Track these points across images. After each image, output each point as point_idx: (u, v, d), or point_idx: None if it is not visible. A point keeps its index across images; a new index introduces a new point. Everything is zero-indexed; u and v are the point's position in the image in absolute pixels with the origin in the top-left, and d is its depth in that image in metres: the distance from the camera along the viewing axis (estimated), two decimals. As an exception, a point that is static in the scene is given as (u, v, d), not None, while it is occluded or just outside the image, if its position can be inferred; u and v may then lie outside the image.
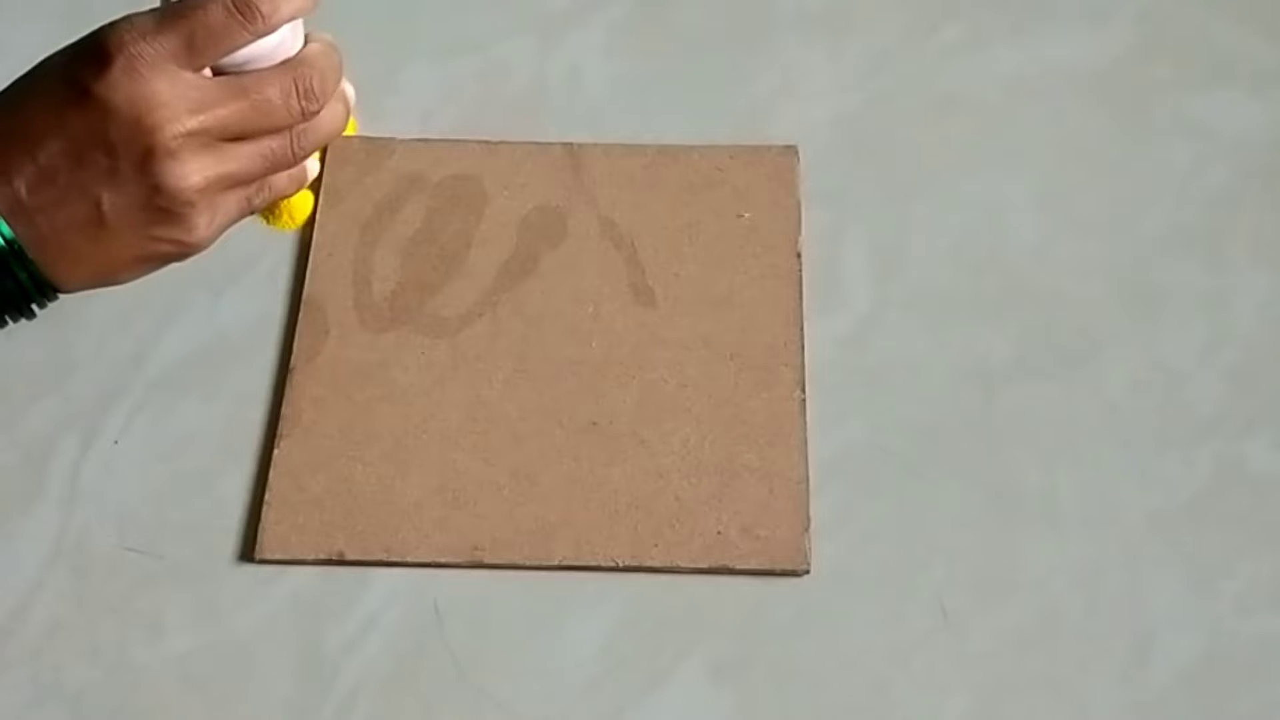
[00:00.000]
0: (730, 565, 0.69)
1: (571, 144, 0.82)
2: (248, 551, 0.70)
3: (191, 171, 0.62)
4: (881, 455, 0.73)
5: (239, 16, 0.63)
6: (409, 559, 0.70)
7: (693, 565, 0.69)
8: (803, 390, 0.74)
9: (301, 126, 0.66)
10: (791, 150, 0.81)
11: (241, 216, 0.67)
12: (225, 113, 0.63)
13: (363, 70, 0.86)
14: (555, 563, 0.70)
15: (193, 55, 0.62)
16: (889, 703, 0.66)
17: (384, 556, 0.70)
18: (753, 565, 0.69)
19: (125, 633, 0.68)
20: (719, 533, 0.70)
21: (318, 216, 0.79)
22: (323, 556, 0.70)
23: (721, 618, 0.69)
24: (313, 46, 0.67)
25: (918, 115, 0.84)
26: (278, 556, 0.70)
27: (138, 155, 0.61)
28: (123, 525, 0.71)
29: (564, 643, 0.68)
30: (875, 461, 0.72)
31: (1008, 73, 0.85)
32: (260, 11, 0.63)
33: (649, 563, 0.70)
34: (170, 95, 0.61)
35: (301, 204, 0.74)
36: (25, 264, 0.61)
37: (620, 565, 0.69)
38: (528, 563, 0.70)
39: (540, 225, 0.79)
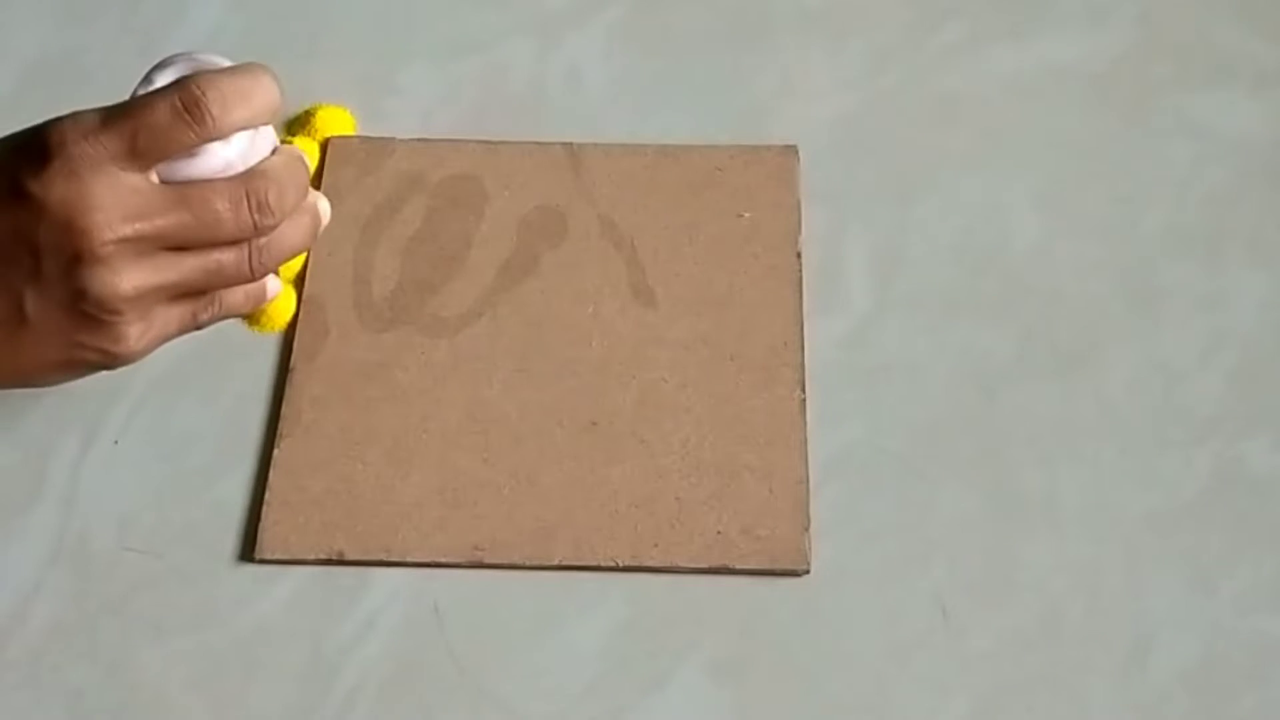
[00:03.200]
0: (730, 565, 0.69)
1: (571, 144, 0.82)
2: (248, 551, 0.70)
3: (122, 280, 0.59)
4: (881, 455, 0.73)
5: (186, 117, 0.59)
6: (409, 559, 0.70)
7: (693, 565, 0.69)
8: (803, 390, 0.74)
9: (260, 241, 0.62)
10: (791, 150, 0.81)
11: (184, 331, 0.64)
12: (165, 222, 0.59)
13: (363, 70, 0.86)
14: (555, 563, 0.69)
15: (136, 157, 0.59)
16: (889, 703, 0.66)
17: (384, 556, 0.70)
18: (753, 565, 0.69)
19: (125, 633, 0.68)
20: (719, 533, 0.70)
21: (318, 216, 0.79)
22: (323, 556, 0.70)
23: (721, 618, 0.69)
24: (275, 158, 0.63)
25: (918, 115, 0.84)
26: (278, 556, 0.70)
27: (66, 258, 0.58)
28: (123, 525, 0.71)
29: (564, 643, 0.68)
30: (875, 461, 0.72)
31: (1008, 73, 0.85)
32: (209, 114, 0.59)
33: (649, 563, 0.69)
34: (107, 199, 0.58)
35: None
36: None
37: (620, 565, 0.69)
38: (528, 563, 0.70)
39: (540, 225, 0.79)
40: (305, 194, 0.64)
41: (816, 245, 0.78)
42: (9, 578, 0.69)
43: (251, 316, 0.73)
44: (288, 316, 0.74)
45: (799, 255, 0.78)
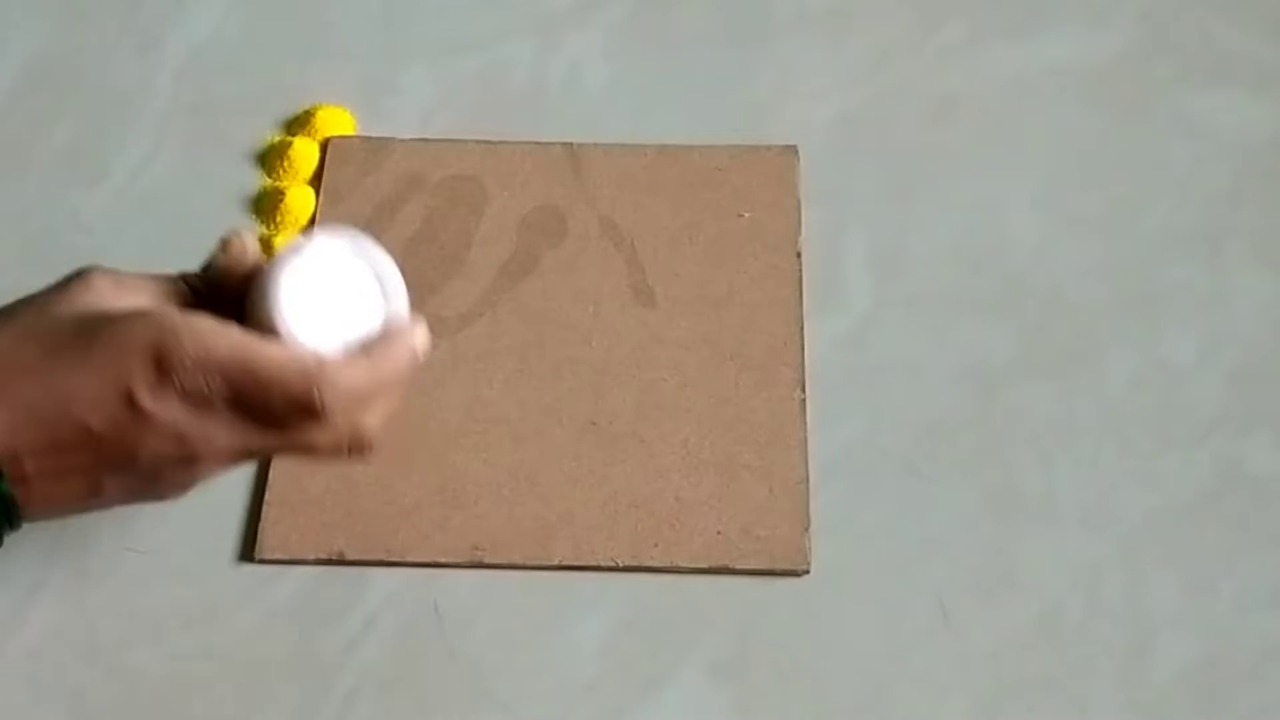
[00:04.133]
0: (730, 565, 0.69)
1: (571, 144, 0.82)
2: (248, 551, 0.70)
3: (209, 476, 0.60)
4: (881, 455, 0.73)
5: (307, 421, 0.59)
6: (409, 559, 0.70)
7: (693, 565, 0.69)
8: (803, 390, 0.74)
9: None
10: (791, 150, 0.81)
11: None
12: (265, 444, 0.60)
13: (363, 70, 0.86)
14: (555, 563, 0.69)
15: (243, 410, 0.58)
16: (889, 703, 0.66)
17: (384, 556, 0.70)
18: (753, 565, 0.69)
19: (125, 633, 0.68)
20: (719, 533, 0.70)
21: (318, 217, 0.79)
22: (323, 556, 0.70)
23: (721, 618, 0.69)
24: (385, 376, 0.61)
25: (918, 115, 0.84)
26: (278, 556, 0.70)
27: (162, 466, 0.59)
28: (123, 525, 0.71)
29: (564, 643, 0.68)
30: (875, 461, 0.72)
31: (1008, 73, 0.85)
32: (331, 425, 0.59)
33: (649, 563, 0.69)
34: (218, 437, 0.58)
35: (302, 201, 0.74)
36: (9, 515, 0.58)
37: (620, 565, 0.69)
38: (528, 563, 0.70)
39: (540, 225, 0.79)
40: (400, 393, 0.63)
41: (816, 245, 0.78)
42: (9, 578, 0.69)
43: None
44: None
45: (799, 255, 0.78)
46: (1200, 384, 0.74)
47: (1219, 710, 0.66)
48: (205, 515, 0.71)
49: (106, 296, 0.60)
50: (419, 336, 0.62)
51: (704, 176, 0.80)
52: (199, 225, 0.79)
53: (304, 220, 0.79)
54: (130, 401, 0.57)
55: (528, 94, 0.85)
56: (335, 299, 0.61)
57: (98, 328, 0.58)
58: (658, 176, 0.80)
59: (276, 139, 0.82)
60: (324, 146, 0.82)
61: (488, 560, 0.70)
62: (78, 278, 0.61)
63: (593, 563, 0.69)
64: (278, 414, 0.59)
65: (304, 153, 0.81)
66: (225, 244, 0.62)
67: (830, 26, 0.87)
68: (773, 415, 0.73)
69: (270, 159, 0.81)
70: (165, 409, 0.57)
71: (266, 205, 0.80)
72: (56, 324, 0.59)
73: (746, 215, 0.79)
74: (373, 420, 0.61)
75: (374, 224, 0.79)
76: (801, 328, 0.75)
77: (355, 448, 0.61)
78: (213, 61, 0.86)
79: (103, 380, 0.57)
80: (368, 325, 0.61)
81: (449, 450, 0.72)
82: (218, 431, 0.58)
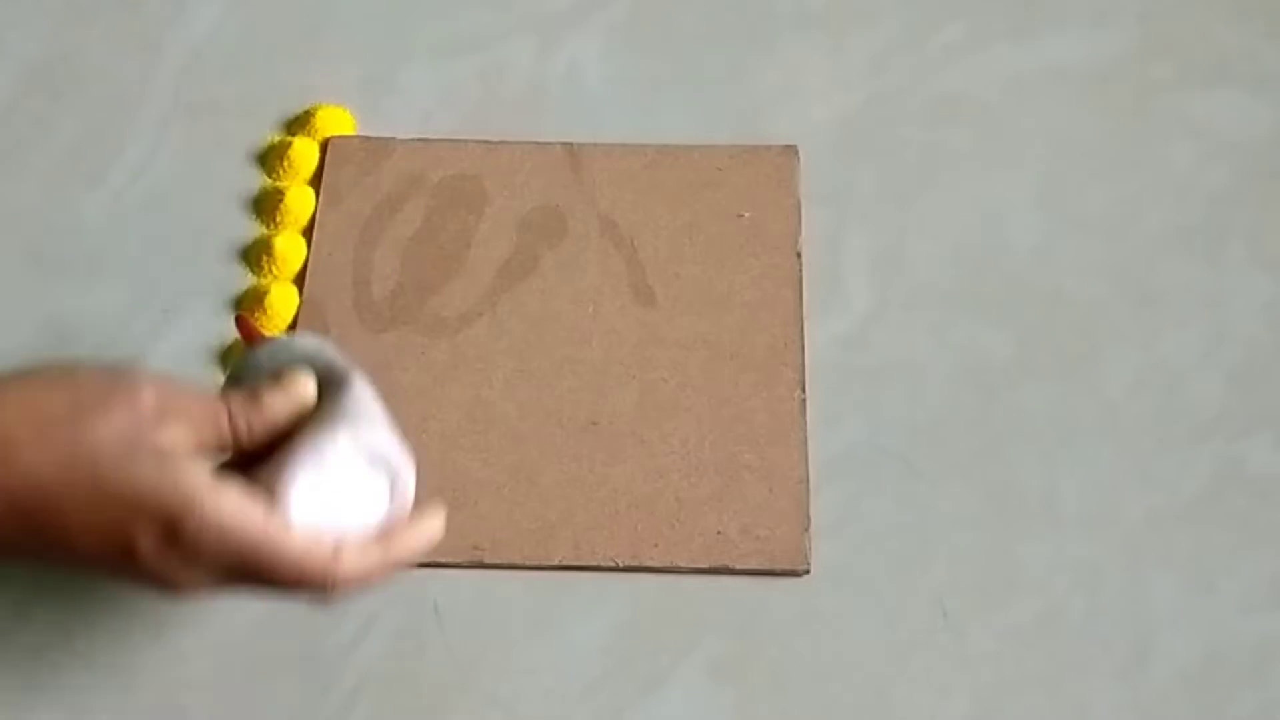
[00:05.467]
0: (730, 565, 0.69)
1: (571, 144, 0.82)
2: (248, 551, 0.70)
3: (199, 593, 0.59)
4: (881, 455, 0.73)
5: (312, 582, 0.58)
6: (409, 559, 0.70)
7: (693, 565, 0.69)
8: (803, 390, 0.74)
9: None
10: (791, 150, 0.81)
11: None
12: (248, 594, 0.59)
13: (363, 70, 0.86)
14: (555, 563, 0.70)
15: (254, 584, 0.58)
16: (889, 703, 0.66)
17: (384, 556, 0.70)
18: (753, 565, 0.69)
19: (125, 633, 0.68)
20: (719, 533, 0.70)
21: (318, 216, 0.79)
22: (323, 556, 0.70)
23: (721, 618, 0.69)
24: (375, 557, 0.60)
25: (918, 115, 0.84)
26: (278, 556, 0.70)
27: (145, 589, 0.59)
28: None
29: (564, 643, 0.68)
30: (875, 461, 0.72)
31: (1008, 73, 0.85)
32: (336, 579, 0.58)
33: (649, 563, 0.69)
34: (208, 588, 0.58)
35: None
36: None
37: (620, 565, 0.69)
38: (528, 563, 0.70)
39: (540, 225, 0.79)
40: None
41: (816, 245, 0.78)
42: (10, 578, 0.69)
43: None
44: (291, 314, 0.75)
45: (799, 255, 0.78)
46: (1200, 384, 0.74)
47: (1219, 710, 0.66)
48: (205, 515, 0.71)
49: (146, 418, 0.57)
50: (435, 524, 0.62)
51: (704, 176, 0.80)
52: (199, 225, 0.80)
53: (304, 220, 0.79)
54: (128, 549, 0.57)
55: (528, 94, 0.85)
56: (347, 491, 0.60)
57: (126, 464, 0.56)
58: (658, 176, 0.80)
59: (276, 139, 0.82)
60: (324, 146, 0.82)
61: (488, 560, 0.70)
62: (124, 386, 0.58)
63: (593, 563, 0.69)
64: (285, 589, 0.58)
65: (304, 153, 0.81)
66: (287, 382, 0.61)
67: (830, 26, 0.87)
68: (773, 415, 0.73)
69: (270, 159, 0.81)
70: (162, 564, 0.57)
71: (266, 205, 0.80)
72: (82, 446, 0.56)
73: (746, 215, 0.79)
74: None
75: (374, 224, 0.79)
76: (801, 328, 0.75)
77: (329, 602, 0.60)
78: (213, 61, 0.86)
79: (112, 522, 0.56)
80: (377, 513, 0.61)
81: (449, 450, 0.72)
82: (206, 584, 0.58)
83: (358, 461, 0.60)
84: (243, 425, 0.60)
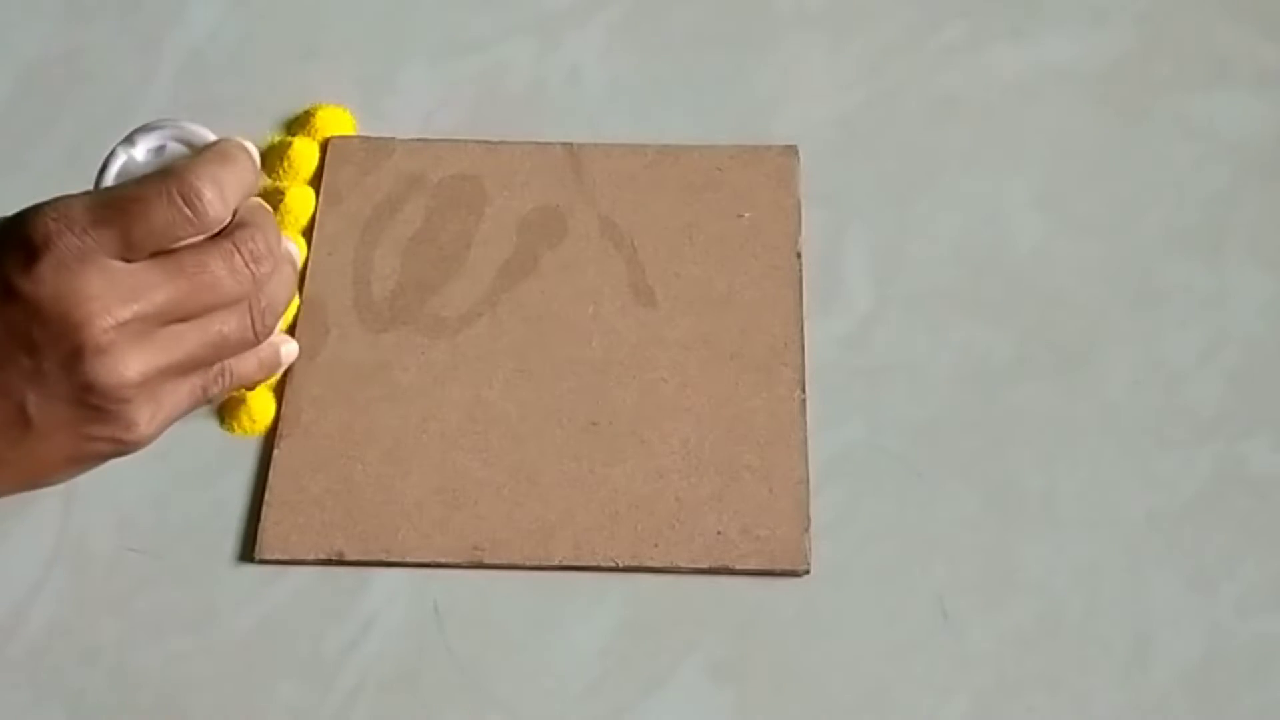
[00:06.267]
0: (730, 565, 0.69)
1: (571, 144, 0.82)
2: (248, 551, 0.70)
3: (127, 366, 0.58)
4: (881, 455, 0.73)
5: (185, 213, 0.59)
6: (409, 559, 0.70)
7: (693, 565, 0.69)
8: (803, 390, 0.74)
9: (261, 304, 0.62)
10: (791, 150, 0.81)
11: (195, 406, 0.63)
12: (164, 296, 0.59)
13: (363, 70, 0.86)
14: (555, 563, 0.69)
15: (130, 250, 0.58)
16: (889, 703, 0.66)
17: (384, 556, 0.70)
18: (753, 565, 0.69)
19: (125, 633, 0.68)
20: (719, 533, 0.70)
21: (318, 217, 0.79)
22: (323, 556, 0.70)
23: (721, 618, 0.69)
24: (244, 207, 0.62)
25: (918, 115, 0.84)
26: (278, 556, 0.70)
27: (66, 353, 0.57)
28: (123, 525, 0.71)
29: (564, 643, 0.68)
30: (875, 461, 0.72)
31: (1008, 73, 0.85)
32: (210, 206, 0.59)
33: (649, 563, 0.69)
34: (101, 286, 0.57)
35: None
36: None
37: (620, 565, 0.69)
38: (528, 563, 0.70)
39: (540, 225, 0.79)
40: (280, 238, 0.64)
41: (816, 245, 0.78)
42: (9, 578, 0.69)
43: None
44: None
45: (799, 255, 0.78)
46: (1200, 384, 0.74)
47: (1219, 710, 0.66)
48: (205, 515, 0.71)
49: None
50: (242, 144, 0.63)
51: (704, 176, 0.80)
52: (199, 225, 0.80)
53: (304, 220, 0.79)
54: (9, 292, 0.56)
55: (528, 94, 0.85)
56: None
57: None
58: (658, 176, 0.80)
59: (276, 139, 0.82)
60: (324, 146, 0.82)
61: (488, 560, 0.70)
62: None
63: (593, 563, 0.69)
64: (156, 229, 0.58)
65: (304, 153, 0.81)
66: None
67: (830, 26, 0.87)
68: (773, 415, 0.73)
69: (270, 159, 0.81)
70: (42, 285, 0.56)
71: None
72: None
73: (746, 215, 0.79)
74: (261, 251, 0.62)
75: (374, 224, 0.79)
76: (801, 328, 0.75)
77: (254, 259, 0.61)
78: (213, 61, 0.86)
79: None
80: None
81: (449, 450, 0.72)
82: (105, 289, 0.57)
83: (152, 159, 0.63)
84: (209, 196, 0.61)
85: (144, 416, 0.60)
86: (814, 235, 0.79)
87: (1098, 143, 0.82)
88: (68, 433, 0.59)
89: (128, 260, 0.58)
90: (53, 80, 0.86)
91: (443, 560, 0.70)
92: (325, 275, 0.77)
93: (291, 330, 0.75)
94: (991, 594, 0.69)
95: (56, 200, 0.59)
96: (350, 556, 0.70)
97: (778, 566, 0.69)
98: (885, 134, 0.83)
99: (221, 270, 0.60)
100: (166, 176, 0.60)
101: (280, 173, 0.81)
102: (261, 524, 0.70)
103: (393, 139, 0.82)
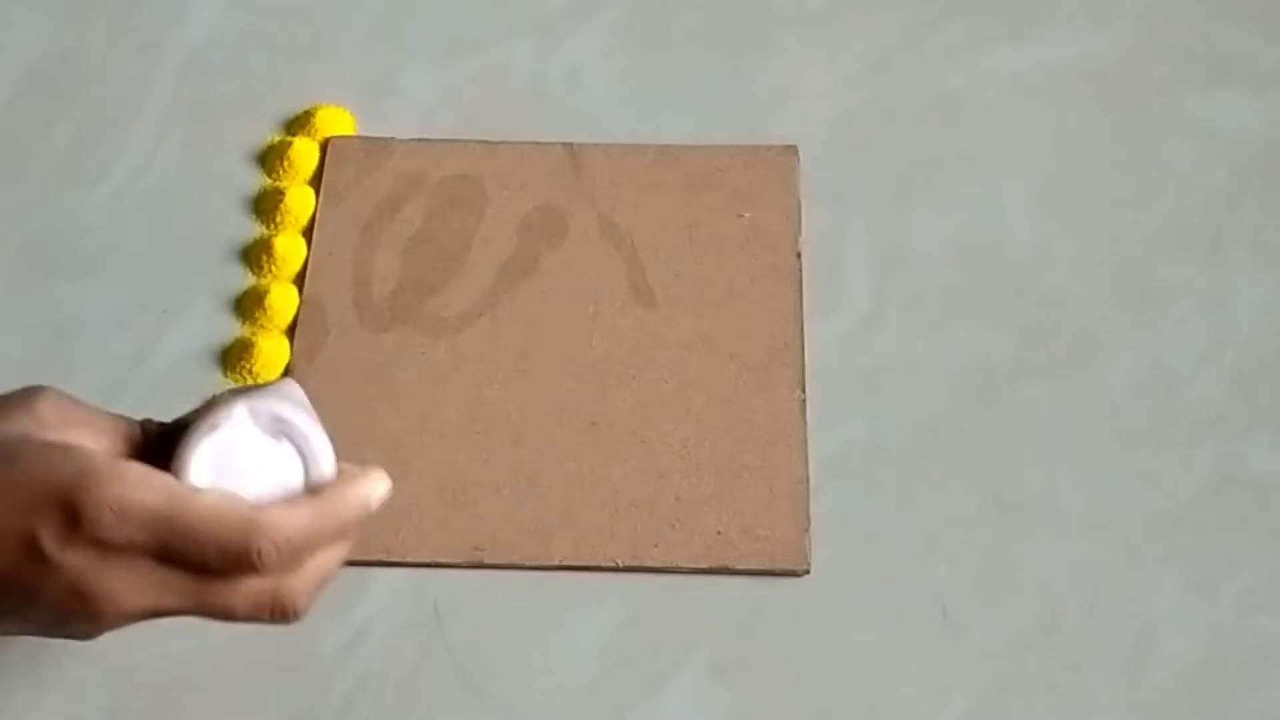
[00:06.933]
0: (730, 565, 0.69)
1: (571, 144, 0.82)
2: (248, 551, 0.70)
3: (121, 625, 0.56)
4: (881, 455, 0.73)
5: (253, 563, 0.54)
6: (409, 559, 0.70)
7: (693, 565, 0.69)
8: (803, 390, 0.74)
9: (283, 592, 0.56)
10: (791, 150, 0.81)
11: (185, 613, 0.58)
12: (180, 605, 0.55)
13: (363, 70, 0.86)
14: (555, 563, 0.69)
15: (165, 560, 0.54)
16: (889, 703, 0.66)
17: (384, 556, 0.70)
18: (753, 565, 0.69)
19: (125, 633, 0.68)
20: (719, 533, 0.70)
21: (318, 217, 0.79)
22: (323, 556, 0.70)
23: (721, 618, 0.69)
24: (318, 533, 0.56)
25: (918, 115, 0.84)
26: (278, 556, 0.70)
27: (68, 617, 0.54)
28: (123, 525, 0.71)
29: (564, 643, 0.68)
30: (875, 461, 0.72)
31: (1008, 73, 0.85)
32: (282, 561, 0.54)
33: (649, 563, 0.69)
34: (127, 590, 0.54)
35: None
36: None
37: (620, 565, 0.69)
38: (528, 563, 0.70)
39: (540, 225, 0.79)
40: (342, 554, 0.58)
41: (816, 245, 0.78)
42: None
43: None
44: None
45: (799, 255, 0.78)
46: (1200, 384, 0.74)
47: (1219, 710, 0.66)
48: (205, 515, 0.71)
49: (48, 426, 0.55)
50: (377, 485, 0.58)
51: (704, 176, 0.80)
52: (199, 225, 0.80)
53: (304, 220, 0.79)
54: (33, 547, 0.53)
55: (528, 94, 0.85)
56: (252, 459, 0.57)
57: (16, 457, 0.53)
58: (658, 176, 0.80)
59: (276, 139, 0.82)
60: (324, 146, 0.82)
61: (488, 560, 0.70)
62: (24, 397, 0.56)
63: (593, 563, 0.69)
64: (209, 566, 0.54)
65: (304, 153, 0.81)
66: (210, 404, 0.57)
67: (830, 26, 0.87)
68: (773, 415, 0.73)
69: (270, 159, 0.81)
70: (71, 559, 0.53)
71: (266, 205, 0.80)
72: None
73: (746, 215, 0.79)
74: (303, 583, 0.56)
75: (374, 224, 0.79)
76: (801, 328, 0.75)
77: (279, 610, 0.56)
78: (213, 61, 0.86)
79: (7, 518, 0.53)
80: (292, 483, 0.57)
81: (449, 450, 0.72)
82: (128, 588, 0.54)
83: (256, 430, 0.56)
84: (156, 432, 0.56)
85: (116, 622, 0.56)
86: (814, 235, 0.79)
87: (1098, 143, 0.83)
88: (24, 631, 0.57)
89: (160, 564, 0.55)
90: (53, 80, 0.86)
91: (443, 560, 0.70)
92: (325, 275, 0.77)
93: (292, 330, 0.75)
94: (991, 594, 0.69)
95: (127, 471, 0.53)
96: (350, 556, 0.69)
97: (778, 566, 0.69)
98: (885, 134, 0.83)
99: (246, 603, 0.56)
100: (258, 526, 0.54)
101: (280, 173, 0.81)
102: (261, 524, 0.70)
103: (393, 139, 0.82)
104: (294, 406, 0.58)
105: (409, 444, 0.72)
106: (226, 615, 0.56)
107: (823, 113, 0.84)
